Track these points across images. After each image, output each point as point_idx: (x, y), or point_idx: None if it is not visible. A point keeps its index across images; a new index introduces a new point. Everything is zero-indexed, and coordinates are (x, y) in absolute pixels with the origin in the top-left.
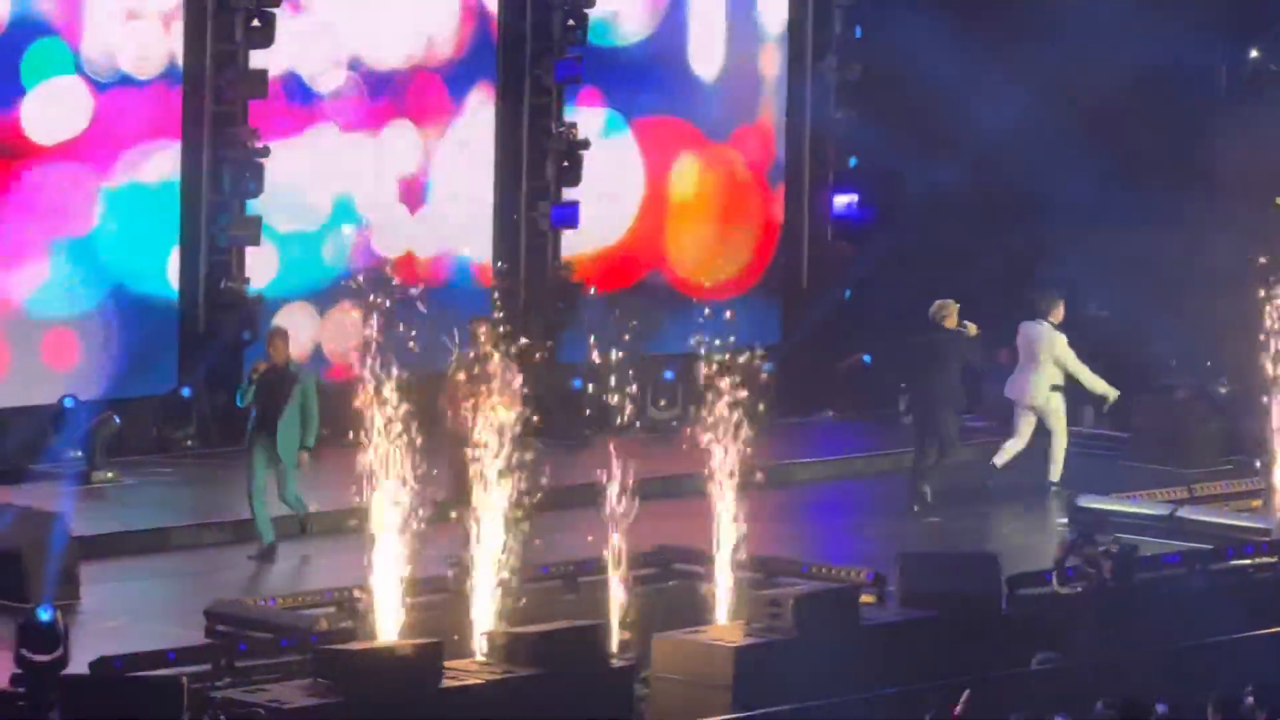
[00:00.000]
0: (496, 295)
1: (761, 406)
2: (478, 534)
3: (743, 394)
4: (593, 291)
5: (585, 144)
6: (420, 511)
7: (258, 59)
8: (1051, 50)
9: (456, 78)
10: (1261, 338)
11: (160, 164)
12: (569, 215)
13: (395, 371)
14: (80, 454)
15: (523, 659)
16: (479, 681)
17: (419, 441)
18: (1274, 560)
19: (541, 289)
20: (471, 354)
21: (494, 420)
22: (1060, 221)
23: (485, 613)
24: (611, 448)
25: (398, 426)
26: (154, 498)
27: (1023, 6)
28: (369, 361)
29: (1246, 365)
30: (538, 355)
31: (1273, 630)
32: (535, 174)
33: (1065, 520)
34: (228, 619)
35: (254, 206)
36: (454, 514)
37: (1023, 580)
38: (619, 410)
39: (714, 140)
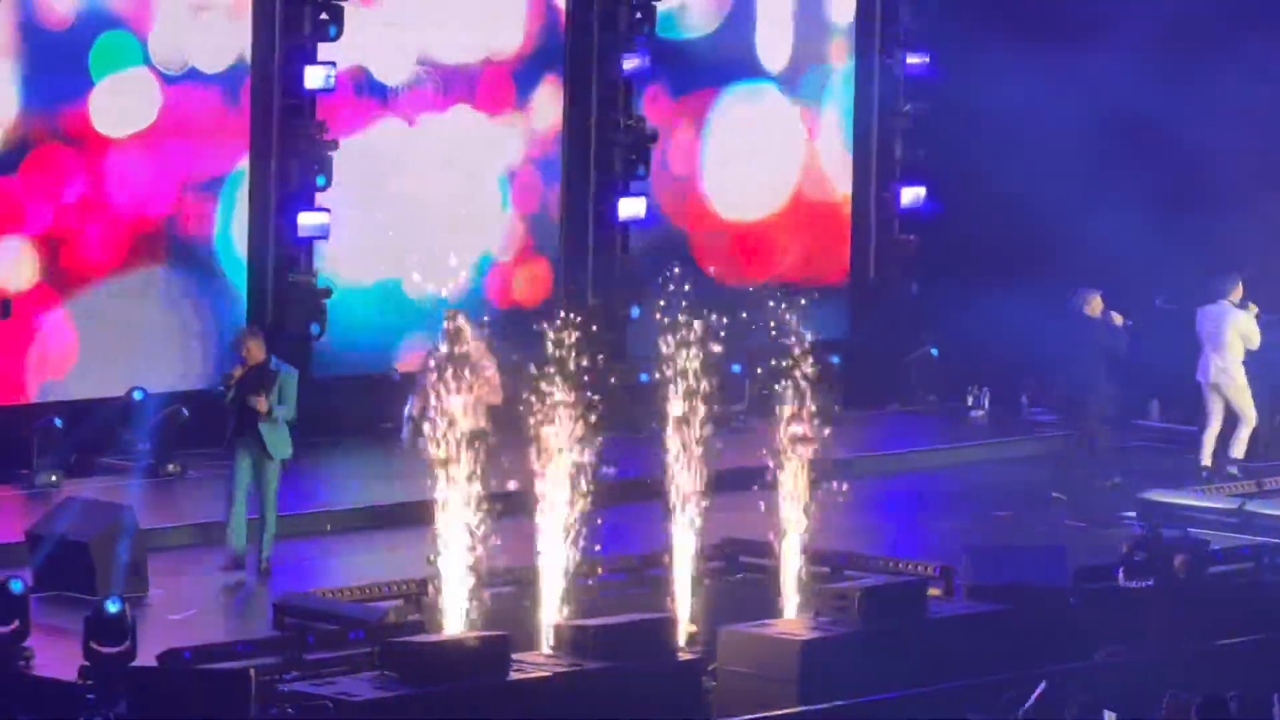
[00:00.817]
0: (561, 290)
1: (829, 400)
2: (543, 528)
3: (810, 388)
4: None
5: (654, 136)
6: (486, 506)
7: (326, 52)
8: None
9: (524, 71)
10: None
11: (228, 157)
12: (636, 209)
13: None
14: (149, 446)
15: (590, 652)
16: (546, 674)
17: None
18: None
19: (610, 282)
20: (446, 348)
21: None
22: (1131, 212)
23: (552, 606)
24: (679, 441)
25: (467, 420)
26: (222, 490)
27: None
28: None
29: None
30: (601, 358)
31: None
32: (603, 167)
33: (1133, 514)
34: (296, 611)
35: (322, 200)
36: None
37: (1091, 574)
38: (686, 404)
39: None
